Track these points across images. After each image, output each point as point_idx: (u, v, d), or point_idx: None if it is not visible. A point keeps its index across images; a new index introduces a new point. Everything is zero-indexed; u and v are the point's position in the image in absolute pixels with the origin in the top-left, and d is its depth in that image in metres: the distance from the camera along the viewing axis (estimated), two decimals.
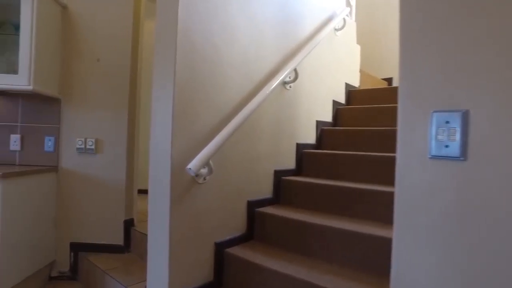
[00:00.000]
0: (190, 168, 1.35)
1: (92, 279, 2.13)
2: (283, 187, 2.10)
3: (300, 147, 2.29)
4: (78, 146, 2.27)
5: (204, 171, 1.49)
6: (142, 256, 2.17)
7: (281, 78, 1.95)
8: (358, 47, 3.19)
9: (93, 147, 2.27)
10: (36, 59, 2.01)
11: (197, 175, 1.50)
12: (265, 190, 2.01)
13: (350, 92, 2.97)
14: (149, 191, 1.54)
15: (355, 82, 3.12)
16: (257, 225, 1.89)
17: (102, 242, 2.30)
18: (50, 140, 2.28)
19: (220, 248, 1.68)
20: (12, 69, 2.06)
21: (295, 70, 2.11)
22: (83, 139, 2.27)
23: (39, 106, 2.29)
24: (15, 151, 2.29)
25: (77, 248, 2.31)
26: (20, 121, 2.30)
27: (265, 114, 1.97)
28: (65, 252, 2.32)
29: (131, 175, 2.37)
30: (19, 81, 1.98)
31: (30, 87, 1.98)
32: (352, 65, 3.07)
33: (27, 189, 2.01)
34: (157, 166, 1.50)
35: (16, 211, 1.91)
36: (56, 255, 2.32)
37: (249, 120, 1.76)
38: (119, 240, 2.30)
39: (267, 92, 1.83)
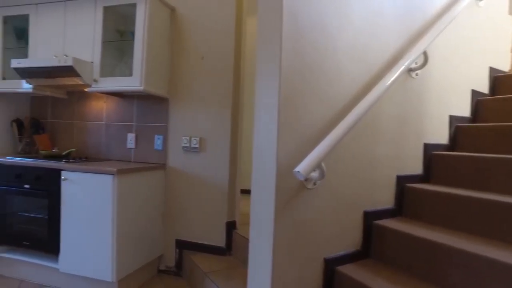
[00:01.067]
0: (298, 171, 1.18)
1: (194, 278, 2.16)
2: (407, 197, 1.76)
3: (428, 148, 1.90)
4: (183, 145, 2.36)
5: (314, 175, 1.30)
6: (244, 261, 2.10)
7: (406, 63, 1.62)
8: (511, 19, 2.54)
9: (197, 145, 2.32)
10: (147, 61, 2.14)
11: (306, 179, 1.32)
12: (385, 199, 1.71)
13: (497, 78, 2.37)
14: (252, 196, 1.43)
15: (504, 66, 2.48)
16: (375, 240, 1.61)
17: (205, 242, 2.33)
18: (159, 138, 2.42)
19: (330, 265, 1.47)
20: (130, 73, 2.25)
21: (424, 53, 1.74)
22: (188, 138, 2.35)
23: (150, 106, 2.46)
24: (131, 149, 2.51)
25: (181, 245, 2.39)
26: (135, 121, 2.50)
27: (386, 108, 1.67)
28: (171, 248, 2.43)
29: (234, 175, 2.35)
30: (133, 83, 2.14)
31: (142, 88, 2.11)
32: (500, 44, 2.45)
33: (139, 185, 2.15)
34: (261, 168, 1.37)
35: (129, 205, 2.06)
36: (163, 250, 2.45)
37: (366, 115, 1.51)
38: (221, 242, 2.30)
39: (389, 81, 1.53)
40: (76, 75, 2.17)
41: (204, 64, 2.35)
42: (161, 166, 2.39)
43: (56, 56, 2.19)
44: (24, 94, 2.86)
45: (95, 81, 2.23)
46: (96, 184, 1.95)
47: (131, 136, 2.50)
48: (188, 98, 2.38)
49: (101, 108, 2.64)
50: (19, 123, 2.80)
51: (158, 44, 2.28)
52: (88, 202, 1.98)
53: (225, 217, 2.30)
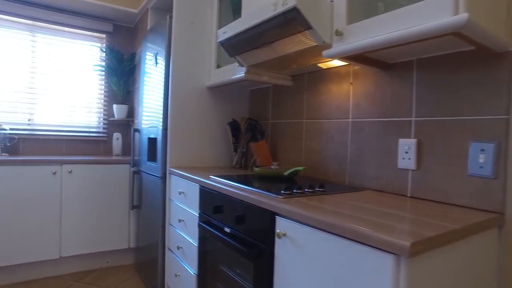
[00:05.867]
0: None
1: None
2: None
3: None
4: None
5: None
6: None
7: None
8: None
9: None
10: None
11: None
12: None
13: None
14: None
15: None
16: None
17: None
18: (483, 150, 1.09)
19: None
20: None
21: None
22: None
23: (452, 81, 1.18)
24: (407, 170, 1.32)
25: None
26: (415, 114, 1.29)
27: None
28: None
29: None
30: (430, 15, 0.92)
31: (464, 18, 0.86)
32: None
33: (444, 270, 0.91)
34: None
35: None
36: None
37: None
38: None
39: None
40: (305, 26, 1.19)
41: None
42: (493, 219, 1.04)
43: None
44: (240, 87, 2.27)
45: (338, 33, 1.18)
46: (349, 262, 0.86)
47: (407, 144, 1.31)
48: None
49: (346, 94, 1.61)
50: (234, 126, 2.20)
51: None
52: None
53: None
